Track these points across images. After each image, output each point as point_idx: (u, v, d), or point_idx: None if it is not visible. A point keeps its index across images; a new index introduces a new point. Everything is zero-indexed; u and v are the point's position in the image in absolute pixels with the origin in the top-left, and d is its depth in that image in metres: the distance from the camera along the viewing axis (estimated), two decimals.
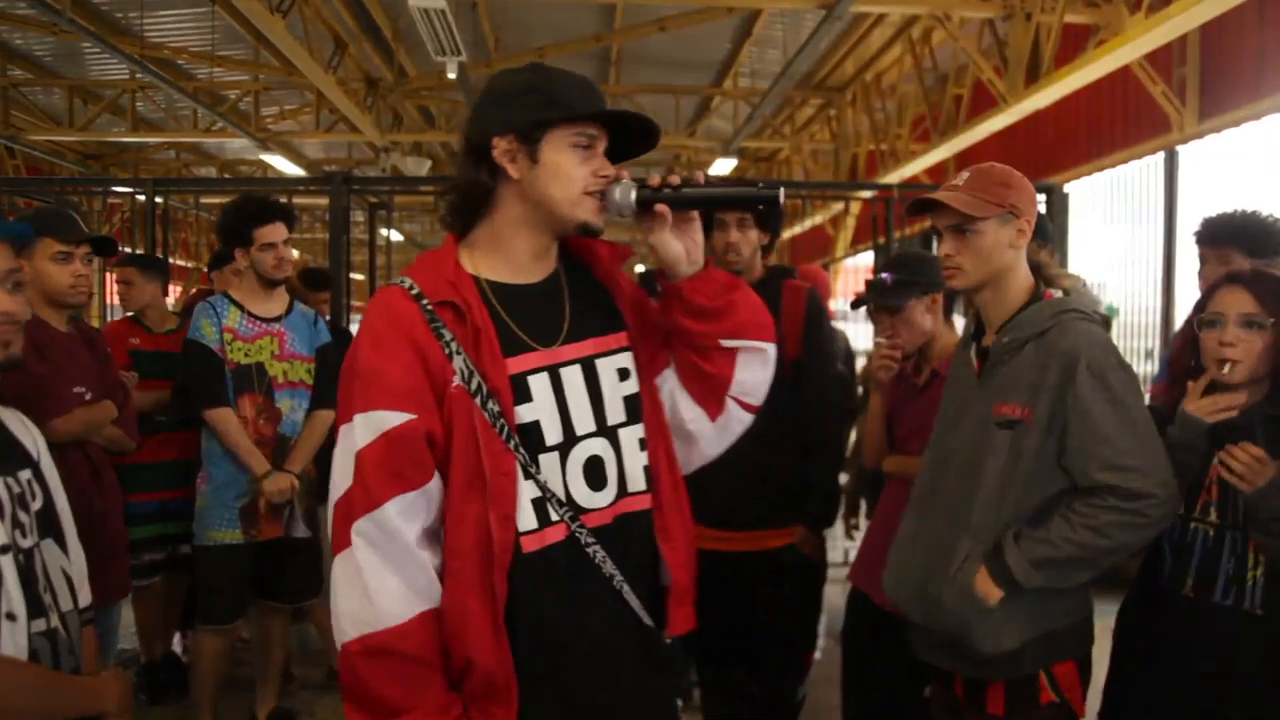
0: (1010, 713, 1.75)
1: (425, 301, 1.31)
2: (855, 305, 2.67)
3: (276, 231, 3.02)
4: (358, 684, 1.26)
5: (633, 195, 1.36)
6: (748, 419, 1.52)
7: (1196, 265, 2.69)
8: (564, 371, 1.37)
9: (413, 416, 1.27)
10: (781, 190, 1.44)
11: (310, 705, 3.66)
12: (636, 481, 1.40)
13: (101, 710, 1.47)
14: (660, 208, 1.37)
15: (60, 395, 2.52)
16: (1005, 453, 1.72)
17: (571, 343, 1.39)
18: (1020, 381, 1.72)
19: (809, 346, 2.69)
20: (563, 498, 1.32)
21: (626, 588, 1.35)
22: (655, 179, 1.39)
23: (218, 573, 3.01)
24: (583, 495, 1.35)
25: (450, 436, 1.28)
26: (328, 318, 3.95)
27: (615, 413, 1.40)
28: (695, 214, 1.40)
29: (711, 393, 1.47)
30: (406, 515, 1.26)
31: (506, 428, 1.29)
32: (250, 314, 3.05)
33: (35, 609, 1.39)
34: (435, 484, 1.29)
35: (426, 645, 1.26)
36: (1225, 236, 2.58)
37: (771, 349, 1.49)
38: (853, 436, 4.35)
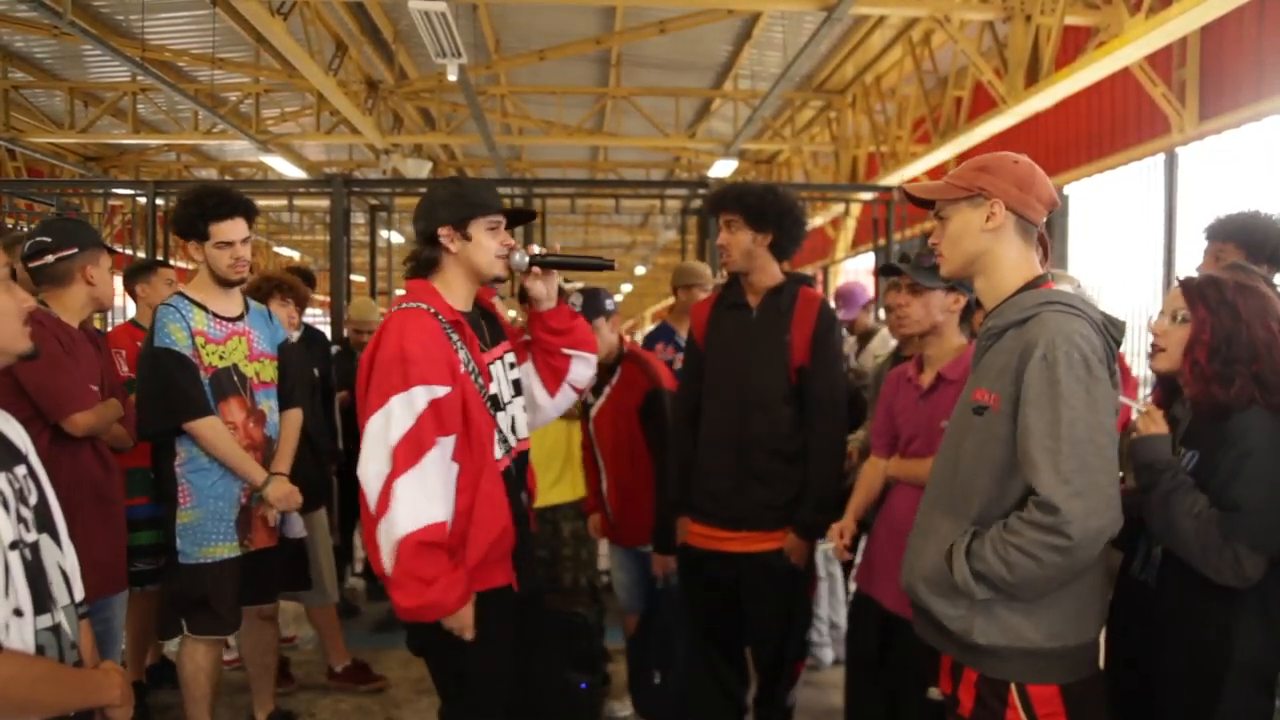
0: (975, 713, 1.71)
1: (441, 318, 2.07)
2: (884, 272, 2.66)
3: (235, 229, 2.80)
4: (408, 570, 1.94)
5: (525, 260, 2.19)
6: (574, 397, 2.41)
7: (1198, 265, 2.71)
8: (498, 363, 2.23)
9: (451, 389, 2.01)
10: (614, 261, 2.30)
11: (310, 705, 3.67)
12: (522, 431, 2.29)
13: (105, 702, 1.49)
14: (535, 269, 2.21)
15: (85, 389, 2.65)
16: (978, 437, 1.70)
17: (494, 346, 2.24)
18: (994, 368, 1.69)
19: (815, 355, 2.72)
20: (509, 438, 2.20)
21: (524, 493, 2.28)
22: (532, 249, 2.21)
23: (217, 587, 2.82)
24: (511, 438, 2.21)
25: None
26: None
27: (512, 389, 2.28)
28: (553, 271, 2.26)
29: (555, 379, 2.35)
30: (446, 451, 2.01)
31: (487, 395, 2.13)
32: (215, 314, 2.85)
33: (40, 605, 1.41)
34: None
35: (450, 538, 2.00)
36: (1224, 233, 2.61)
37: (593, 358, 2.37)
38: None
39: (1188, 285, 1.91)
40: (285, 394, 3.02)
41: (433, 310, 2.07)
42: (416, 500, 1.94)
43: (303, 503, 2.98)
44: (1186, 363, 1.86)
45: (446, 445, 2.00)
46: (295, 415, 3.03)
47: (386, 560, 1.96)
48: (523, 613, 2.23)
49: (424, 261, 2.16)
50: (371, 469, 1.97)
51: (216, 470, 2.80)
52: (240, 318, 2.93)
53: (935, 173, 8.85)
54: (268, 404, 2.95)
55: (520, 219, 2.32)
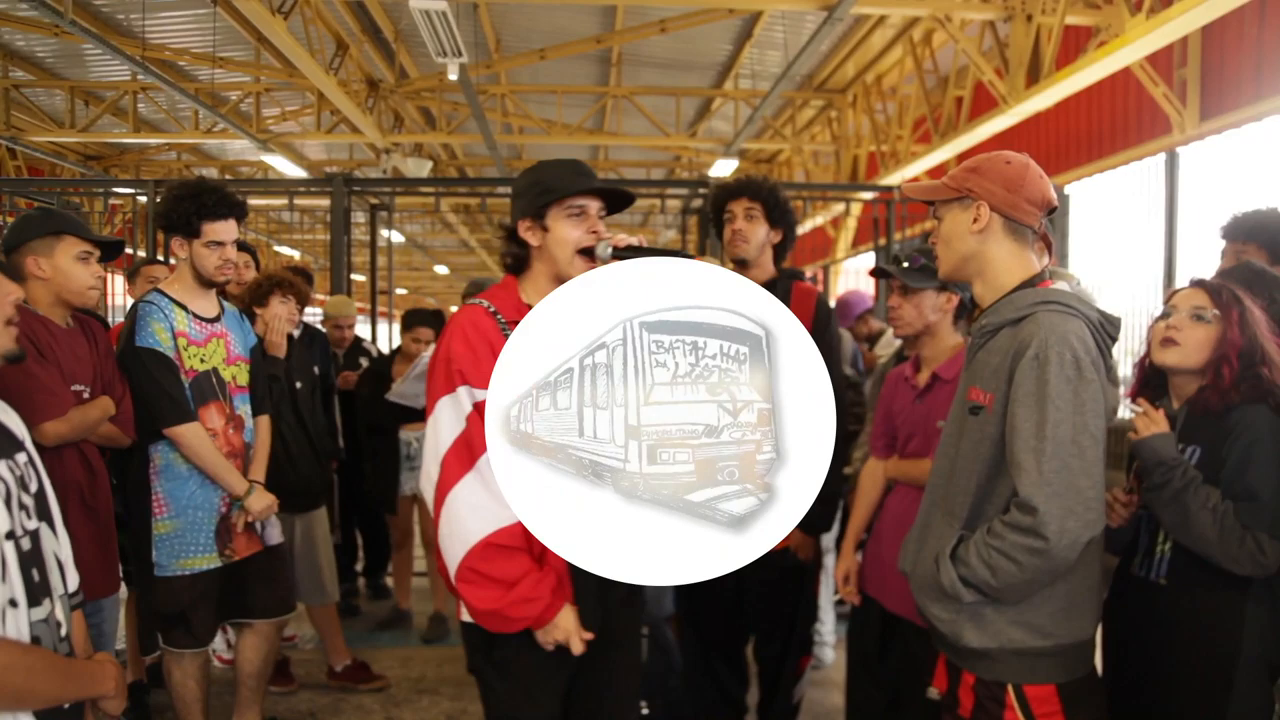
0: (975, 715, 1.72)
1: (500, 317, 1.88)
2: (876, 274, 2.68)
3: (228, 229, 2.71)
4: (482, 572, 1.77)
5: (608, 250, 1.88)
6: None
7: (1198, 265, 2.70)
8: None
9: None
10: (694, 256, 1.98)
11: (310, 705, 3.66)
12: None
13: (100, 693, 1.50)
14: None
15: (56, 396, 2.44)
16: (973, 437, 1.71)
17: None
18: (989, 367, 1.70)
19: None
20: None
21: None
22: (619, 239, 1.90)
23: (193, 600, 2.70)
24: None
25: None
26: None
27: None
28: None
29: None
30: None
31: None
32: (195, 315, 2.75)
33: (36, 595, 1.41)
34: None
35: (523, 537, 1.77)
36: (1244, 232, 2.60)
37: None
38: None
39: (1218, 289, 1.91)
40: (257, 400, 2.92)
41: (492, 308, 1.89)
42: (483, 503, 1.77)
43: (302, 505, 2.96)
44: (1216, 363, 1.87)
45: None
46: (266, 422, 2.96)
47: (453, 569, 1.80)
48: (594, 645, 1.90)
49: (514, 260, 1.96)
50: (424, 479, 1.85)
51: (195, 479, 2.70)
52: (217, 319, 2.84)
53: (936, 172, 8.86)
54: (244, 409, 2.86)
55: (619, 203, 1.99)
